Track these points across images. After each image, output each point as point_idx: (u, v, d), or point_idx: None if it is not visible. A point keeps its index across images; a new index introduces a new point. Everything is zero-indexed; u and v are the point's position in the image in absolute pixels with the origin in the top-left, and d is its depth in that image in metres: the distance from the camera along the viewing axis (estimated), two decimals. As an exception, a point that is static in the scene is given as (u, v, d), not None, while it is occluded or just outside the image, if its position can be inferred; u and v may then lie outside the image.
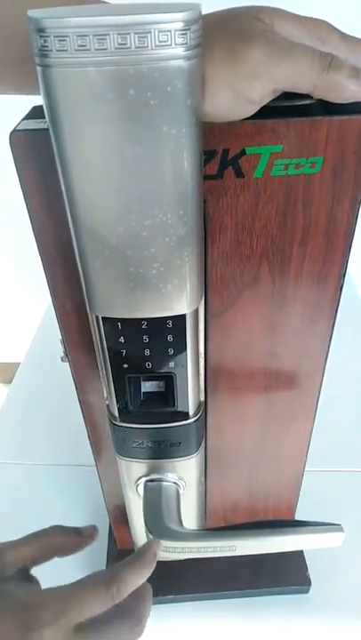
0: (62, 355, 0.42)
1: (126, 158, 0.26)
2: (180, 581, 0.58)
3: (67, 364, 0.42)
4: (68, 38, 0.23)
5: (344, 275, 0.36)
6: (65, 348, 0.40)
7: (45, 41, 0.23)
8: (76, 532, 0.41)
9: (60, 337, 0.40)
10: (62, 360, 0.42)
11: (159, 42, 0.23)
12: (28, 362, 0.94)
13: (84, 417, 0.45)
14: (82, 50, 0.23)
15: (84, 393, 0.43)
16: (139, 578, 0.37)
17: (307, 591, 0.59)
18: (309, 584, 0.58)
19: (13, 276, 1.65)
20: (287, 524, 0.46)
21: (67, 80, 0.24)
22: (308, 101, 0.30)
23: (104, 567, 0.60)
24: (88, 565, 0.62)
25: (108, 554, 0.61)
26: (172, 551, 0.40)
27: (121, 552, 0.60)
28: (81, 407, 0.44)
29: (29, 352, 0.97)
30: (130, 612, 0.36)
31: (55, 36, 0.23)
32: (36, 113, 0.32)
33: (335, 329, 0.39)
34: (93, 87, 0.24)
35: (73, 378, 0.42)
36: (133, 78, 0.23)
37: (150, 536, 0.41)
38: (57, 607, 0.33)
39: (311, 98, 0.29)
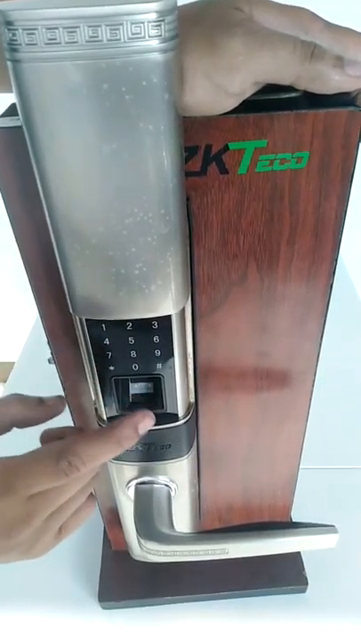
0: (50, 357, 0.41)
1: (103, 156, 0.25)
2: (177, 582, 0.58)
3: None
4: (36, 31, 0.22)
5: (334, 272, 0.35)
6: (51, 350, 0.40)
7: (14, 34, 0.22)
8: (39, 401, 0.38)
9: (47, 339, 0.39)
10: (50, 362, 0.41)
11: (132, 34, 0.22)
12: (22, 361, 0.94)
13: (73, 419, 0.44)
14: (52, 43, 0.22)
15: (72, 396, 0.42)
16: (100, 454, 0.33)
17: (304, 591, 0.58)
18: (306, 584, 0.58)
19: (8, 274, 1.64)
20: (280, 526, 0.46)
21: (38, 75, 0.23)
22: (293, 94, 0.29)
23: (98, 569, 0.59)
24: (82, 567, 0.61)
25: (102, 555, 0.61)
26: (162, 554, 0.40)
27: (116, 553, 0.60)
28: (70, 409, 0.44)
29: (24, 351, 0.96)
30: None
31: (24, 29, 0.22)
32: (14, 110, 0.31)
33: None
34: (65, 82, 0.23)
35: (60, 380, 0.41)
36: (106, 73, 0.23)
37: (141, 540, 0.40)
38: (3, 480, 0.31)
39: (296, 91, 0.28)
